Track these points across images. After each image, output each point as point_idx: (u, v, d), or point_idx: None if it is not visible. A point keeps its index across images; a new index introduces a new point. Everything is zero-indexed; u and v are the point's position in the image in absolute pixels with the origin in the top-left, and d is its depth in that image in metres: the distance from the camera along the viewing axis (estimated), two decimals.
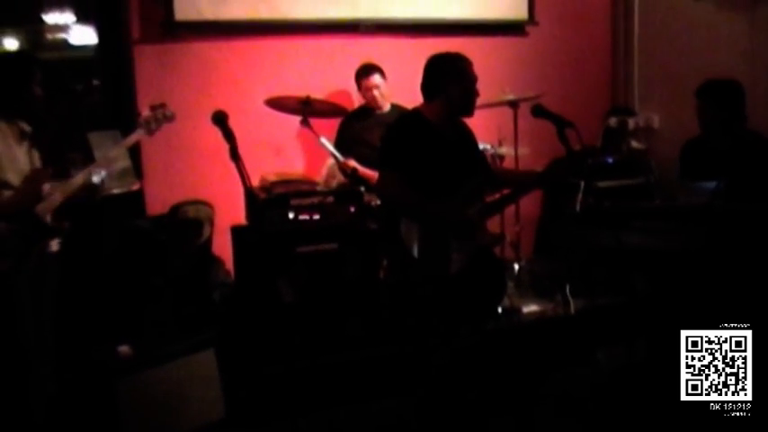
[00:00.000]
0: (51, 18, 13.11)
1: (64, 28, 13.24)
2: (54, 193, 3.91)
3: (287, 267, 4.92)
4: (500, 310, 5.22)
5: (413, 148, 4.22)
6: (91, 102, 8.53)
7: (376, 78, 6.07)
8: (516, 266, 6.07)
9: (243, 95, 5.99)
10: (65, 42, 13.56)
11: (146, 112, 4.24)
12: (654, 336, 4.47)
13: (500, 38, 7.11)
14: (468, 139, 4.51)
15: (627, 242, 4.31)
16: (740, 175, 4.48)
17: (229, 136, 3.43)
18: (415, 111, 4.44)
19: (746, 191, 4.37)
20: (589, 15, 7.58)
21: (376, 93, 6.05)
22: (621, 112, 7.42)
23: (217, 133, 3.57)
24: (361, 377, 4.77)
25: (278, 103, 5.45)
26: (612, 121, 7.21)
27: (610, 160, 6.65)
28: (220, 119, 3.47)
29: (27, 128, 4.05)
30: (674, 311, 4.30)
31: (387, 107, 6.15)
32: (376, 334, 4.99)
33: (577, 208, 5.52)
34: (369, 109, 6.16)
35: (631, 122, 7.31)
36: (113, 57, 6.08)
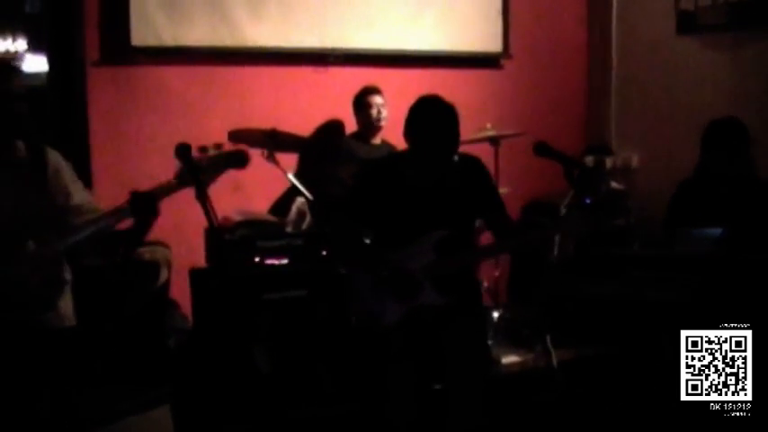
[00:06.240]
0: (2, 45, 12.74)
1: (15, 55, 12.89)
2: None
3: (252, 315, 4.63)
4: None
5: (371, 194, 3.95)
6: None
7: (380, 98, 5.95)
8: (495, 314, 5.73)
9: (202, 125, 5.68)
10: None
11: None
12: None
13: (474, 71, 6.98)
14: (457, 187, 3.97)
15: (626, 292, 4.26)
16: (744, 220, 4.31)
17: (194, 172, 3.04)
18: (396, 153, 4.26)
19: (752, 237, 4.18)
20: (565, 48, 7.48)
21: (382, 111, 5.92)
22: (598, 150, 7.24)
23: (174, 165, 3.21)
24: None
25: (242, 136, 5.08)
26: (589, 160, 7.00)
27: (587, 201, 6.40)
28: (184, 152, 3.07)
29: (22, 160, 3.33)
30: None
31: (378, 139, 6.00)
32: (347, 388, 4.66)
33: (555, 252, 5.29)
34: (358, 138, 6.00)
35: (609, 162, 7.15)
36: (65, 82, 5.81)
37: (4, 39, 12.85)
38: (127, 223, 3.40)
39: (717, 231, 4.19)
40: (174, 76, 5.90)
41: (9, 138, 3.32)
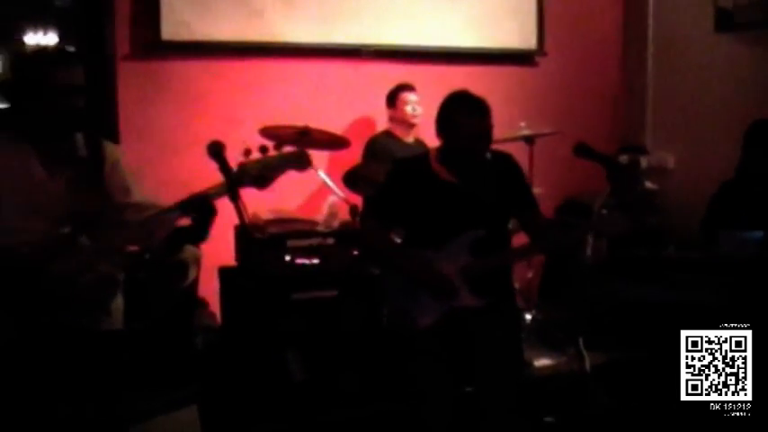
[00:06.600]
0: (33, 39, 12.78)
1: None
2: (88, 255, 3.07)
3: (281, 316, 4.55)
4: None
5: (403, 193, 3.88)
6: None
7: (414, 95, 5.92)
8: (528, 316, 5.64)
9: (233, 121, 5.65)
10: None
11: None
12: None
13: (508, 68, 6.87)
14: (490, 185, 3.90)
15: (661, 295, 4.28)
16: None
17: (227, 171, 2.96)
18: (426, 151, 4.10)
19: None
20: (600, 46, 7.34)
21: (417, 108, 5.89)
22: (633, 150, 7.07)
23: (204, 161, 3.10)
24: None
25: (274, 133, 5.02)
26: (623, 159, 6.81)
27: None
28: (217, 151, 2.98)
29: (81, 155, 3.23)
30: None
31: (411, 137, 5.94)
32: (376, 390, 4.59)
33: (588, 253, 5.19)
34: (391, 136, 5.94)
35: (643, 161, 6.99)
36: (95, 76, 5.70)
37: (35, 32, 12.84)
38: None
39: (758, 234, 4.12)
40: (204, 71, 5.83)
41: (69, 132, 3.24)
